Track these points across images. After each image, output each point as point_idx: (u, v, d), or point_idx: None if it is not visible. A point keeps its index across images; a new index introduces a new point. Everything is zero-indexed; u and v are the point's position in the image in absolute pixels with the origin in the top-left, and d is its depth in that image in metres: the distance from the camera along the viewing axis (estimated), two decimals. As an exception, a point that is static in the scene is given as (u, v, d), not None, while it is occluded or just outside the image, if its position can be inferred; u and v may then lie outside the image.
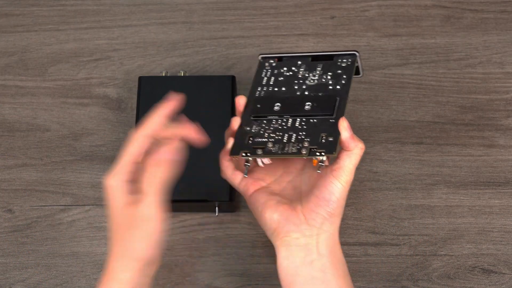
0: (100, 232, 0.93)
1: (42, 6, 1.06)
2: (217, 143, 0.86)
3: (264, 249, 0.91)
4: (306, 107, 0.81)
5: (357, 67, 0.86)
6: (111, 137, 0.98)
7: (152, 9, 1.06)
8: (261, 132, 0.81)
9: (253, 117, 0.82)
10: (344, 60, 0.85)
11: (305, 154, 0.78)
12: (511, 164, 0.96)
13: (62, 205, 0.95)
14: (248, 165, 0.81)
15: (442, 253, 0.91)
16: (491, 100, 0.99)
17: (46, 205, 0.95)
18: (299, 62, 0.86)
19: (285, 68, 0.86)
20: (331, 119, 0.80)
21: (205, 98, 0.95)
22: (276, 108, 0.82)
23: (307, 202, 0.79)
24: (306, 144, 0.79)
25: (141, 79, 0.96)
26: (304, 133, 0.80)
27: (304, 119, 0.81)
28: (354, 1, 1.06)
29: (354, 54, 0.85)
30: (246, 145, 0.80)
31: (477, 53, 1.02)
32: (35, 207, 0.95)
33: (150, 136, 0.76)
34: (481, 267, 0.91)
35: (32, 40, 1.04)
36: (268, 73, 0.86)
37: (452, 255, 0.91)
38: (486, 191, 0.94)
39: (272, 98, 0.83)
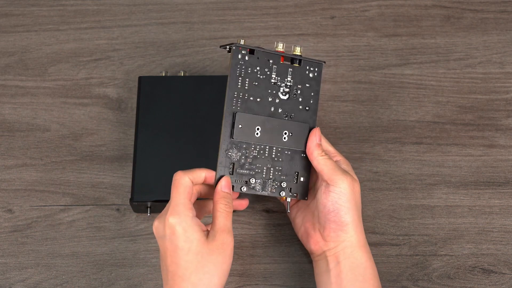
0: (100, 232, 0.93)
1: (42, 6, 1.06)
2: (216, 144, 0.86)
3: (264, 249, 0.91)
4: (284, 136, 0.86)
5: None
6: (111, 137, 0.98)
7: (152, 9, 1.06)
8: (242, 160, 0.85)
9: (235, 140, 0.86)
10: (312, 69, 0.88)
11: (283, 196, 0.86)
12: (511, 164, 0.96)
13: (62, 205, 0.95)
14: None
15: (442, 253, 0.91)
16: (491, 100, 0.99)
17: (46, 205, 0.95)
18: (271, 61, 0.87)
19: (258, 68, 0.87)
20: (303, 153, 0.87)
21: (205, 98, 0.95)
22: (257, 134, 0.86)
23: (321, 224, 0.85)
24: (284, 185, 0.86)
25: (141, 79, 0.96)
26: (280, 168, 0.86)
27: (279, 149, 0.86)
28: (354, 1, 1.06)
29: (321, 64, 0.88)
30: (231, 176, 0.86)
31: (477, 53, 1.02)
32: (35, 207, 0.95)
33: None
34: (481, 267, 0.91)
35: (32, 40, 1.04)
36: (242, 71, 0.86)
37: (452, 255, 0.91)
38: (486, 191, 0.94)
39: (252, 119, 0.86)
